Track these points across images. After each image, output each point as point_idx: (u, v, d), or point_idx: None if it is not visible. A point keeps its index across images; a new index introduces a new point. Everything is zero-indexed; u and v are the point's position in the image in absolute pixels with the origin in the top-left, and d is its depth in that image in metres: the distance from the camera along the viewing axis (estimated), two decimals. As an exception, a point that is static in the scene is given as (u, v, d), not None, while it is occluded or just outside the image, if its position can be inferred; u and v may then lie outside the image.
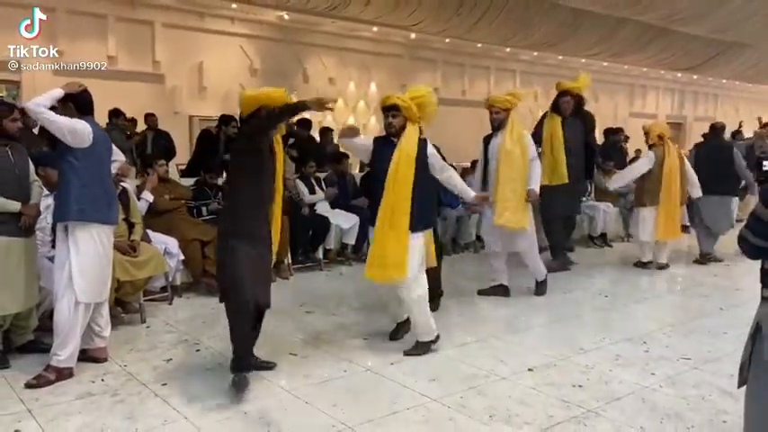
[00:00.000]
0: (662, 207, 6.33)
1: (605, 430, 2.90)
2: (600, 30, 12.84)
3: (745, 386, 2.22)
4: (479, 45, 13.33)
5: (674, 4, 12.01)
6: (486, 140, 5.29)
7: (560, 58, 14.81)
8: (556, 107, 6.18)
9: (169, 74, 10.15)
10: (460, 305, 5.12)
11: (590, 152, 6.55)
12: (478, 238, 7.88)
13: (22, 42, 8.19)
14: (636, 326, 4.59)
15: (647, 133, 6.54)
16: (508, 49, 13.97)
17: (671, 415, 3.04)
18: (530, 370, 3.62)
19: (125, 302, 4.58)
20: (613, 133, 9.26)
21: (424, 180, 3.85)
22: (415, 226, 3.73)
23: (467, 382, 3.44)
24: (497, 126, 5.12)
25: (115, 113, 7.96)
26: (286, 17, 10.82)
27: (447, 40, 12.81)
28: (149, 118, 8.51)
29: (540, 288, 5.42)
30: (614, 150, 8.84)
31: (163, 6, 9.85)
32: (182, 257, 5.17)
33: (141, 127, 8.71)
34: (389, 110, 3.85)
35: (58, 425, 2.92)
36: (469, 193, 4.34)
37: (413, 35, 12.29)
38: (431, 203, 4.17)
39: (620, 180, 6.90)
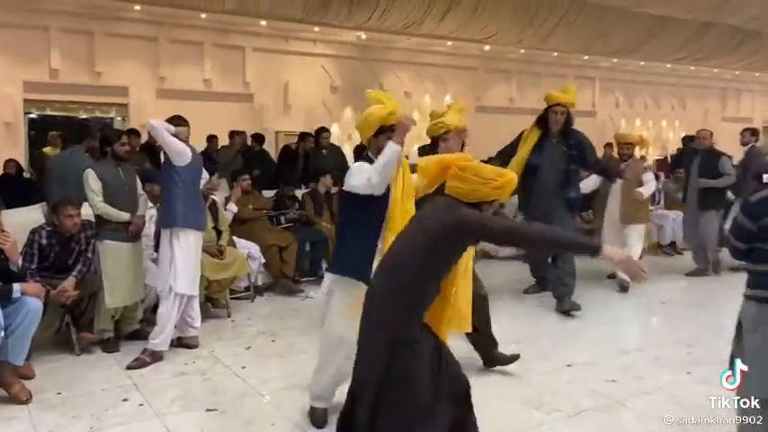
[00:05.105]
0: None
1: (628, 419, 3.17)
2: (684, 34, 12.54)
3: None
4: (555, 54, 13.37)
5: (762, 7, 11.58)
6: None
7: (642, 63, 14.55)
8: (544, 121, 5.20)
9: (258, 93, 10.98)
10: (512, 306, 5.43)
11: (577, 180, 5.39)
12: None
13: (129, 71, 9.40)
14: (684, 331, 4.72)
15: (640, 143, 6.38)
16: (586, 57, 13.88)
17: (696, 408, 3.24)
18: (568, 366, 3.91)
19: (214, 299, 5.25)
20: (691, 140, 9.13)
21: None
22: None
23: (507, 375, 3.78)
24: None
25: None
26: (363, 37, 11.41)
27: (522, 51, 12.94)
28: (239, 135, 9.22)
29: None
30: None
31: (253, 33, 10.70)
32: (263, 261, 5.80)
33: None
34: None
35: (157, 396, 3.54)
36: None
37: (487, 47, 12.55)
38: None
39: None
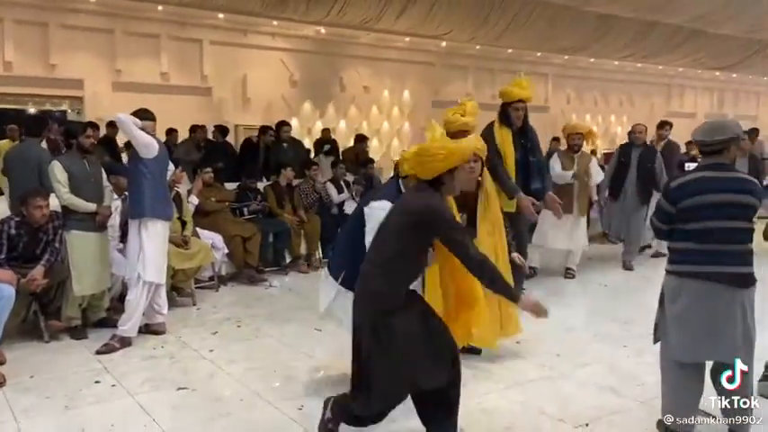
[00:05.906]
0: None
1: (569, 387, 3.49)
2: (630, 32, 13.09)
3: (659, 342, 2.81)
4: (510, 51, 13.75)
5: (702, 7, 12.18)
6: None
7: (592, 60, 15.10)
8: (506, 117, 5.01)
9: (216, 87, 10.99)
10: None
11: (538, 171, 5.23)
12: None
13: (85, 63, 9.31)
14: (623, 311, 5.10)
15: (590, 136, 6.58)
16: (539, 54, 14.32)
17: (629, 376, 3.59)
18: (517, 342, 4.21)
19: (179, 288, 5.38)
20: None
21: None
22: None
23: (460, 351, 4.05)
24: None
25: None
26: (323, 31, 11.55)
27: (477, 47, 13.26)
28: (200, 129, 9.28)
29: None
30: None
31: (211, 25, 10.71)
32: (226, 251, 5.95)
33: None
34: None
35: (129, 378, 3.69)
36: None
37: (444, 43, 12.84)
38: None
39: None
